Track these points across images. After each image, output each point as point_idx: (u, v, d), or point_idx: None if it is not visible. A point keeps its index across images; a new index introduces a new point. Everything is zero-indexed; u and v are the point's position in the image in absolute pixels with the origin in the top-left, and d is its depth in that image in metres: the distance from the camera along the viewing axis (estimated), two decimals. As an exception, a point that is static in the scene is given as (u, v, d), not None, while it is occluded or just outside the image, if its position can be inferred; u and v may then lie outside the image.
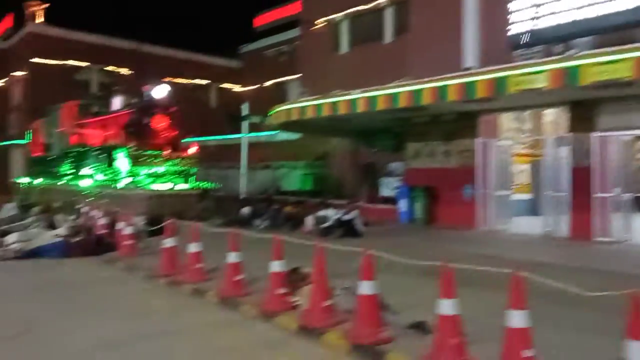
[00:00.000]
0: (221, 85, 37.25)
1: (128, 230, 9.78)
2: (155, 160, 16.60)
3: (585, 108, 11.62)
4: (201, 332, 5.50)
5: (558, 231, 12.01)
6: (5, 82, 33.54)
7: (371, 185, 18.79)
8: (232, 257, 6.60)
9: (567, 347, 4.74)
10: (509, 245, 10.94)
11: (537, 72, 9.84)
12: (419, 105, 12.21)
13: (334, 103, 13.21)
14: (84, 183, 19.18)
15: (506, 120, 13.95)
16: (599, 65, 9.03)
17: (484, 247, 10.63)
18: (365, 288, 4.84)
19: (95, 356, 4.78)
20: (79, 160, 20.37)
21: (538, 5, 13.09)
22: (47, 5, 30.93)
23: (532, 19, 13.19)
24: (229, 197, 23.75)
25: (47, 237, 10.46)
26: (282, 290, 5.91)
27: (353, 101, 12.98)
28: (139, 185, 16.57)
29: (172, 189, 16.79)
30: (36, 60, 29.97)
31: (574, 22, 12.35)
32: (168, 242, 7.96)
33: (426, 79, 11.89)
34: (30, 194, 23.24)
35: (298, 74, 27.60)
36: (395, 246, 5.16)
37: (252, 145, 19.59)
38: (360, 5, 20.01)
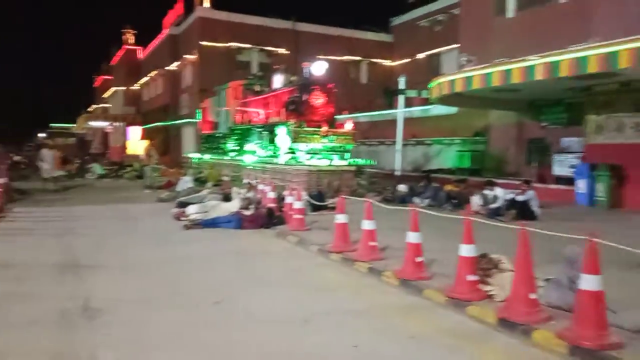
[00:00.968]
0: (372, 60, 36.90)
1: (297, 205, 9.93)
2: (313, 137, 16.83)
3: None
4: (387, 314, 5.21)
5: None
6: (177, 65, 36.99)
7: (541, 163, 17.07)
8: (413, 237, 6.21)
9: None
10: None
11: None
12: (614, 71, 10.53)
13: (507, 71, 12.00)
14: (248, 158, 20.33)
15: None
16: None
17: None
18: (590, 282, 4.10)
19: (292, 329, 4.73)
20: (243, 136, 21.62)
21: None
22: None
23: None
24: (383, 174, 23.61)
25: (223, 209, 11.08)
26: (472, 277, 5.37)
27: (530, 68, 11.65)
28: (298, 161, 17.03)
29: (329, 165, 16.99)
30: (204, 43, 32.46)
31: None
32: (340, 218, 7.84)
33: (624, 39, 10.17)
34: (201, 168, 25.43)
35: (454, 44, 26.19)
36: (582, 232, 4.28)
37: (404, 121, 19.02)
38: (531, -39, 18.06)
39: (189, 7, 34.91)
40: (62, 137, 63.51)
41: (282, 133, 17.09)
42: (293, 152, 17.29)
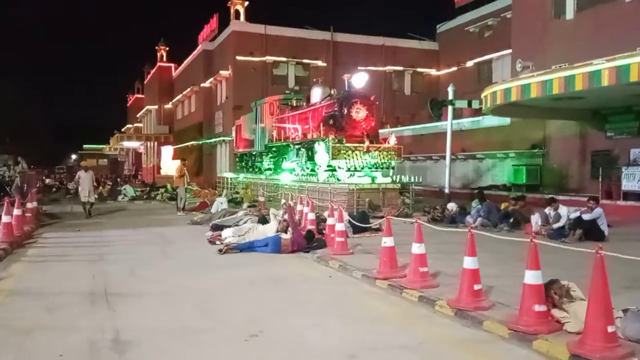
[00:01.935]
0: (416, 70, 36.73)
1: (339, 227, 9.79)
2: (354, 153, 16.75)
3: None
4: (442, 349, 4.97)
5: None
6: (211, 82, 37.80)
7: (608, 178, 16.39)
8: (469, 262, 5.96)
9: None
10: None
11: None
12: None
13: (569, 77, 11.62)
14: (285, 177, 20.40)
15: None
16: None
17: None
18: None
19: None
20: (280, 154, 21.76)
21: None
22: (247, 2, 33.93)
23: None
24: (429, 191, 23.26)
25: (260, 233, 11.06)
26: (540, 307, 5.08)
27: (596, 73, 11.23)
28: (338, 179, 16.95)
29: (372, 183, 16.85)
30: (239, 57, 33.09)
31: None
32: (387, 241, 7.65)
33: None
34: (236, 188, 25.71)
35: (506, 49, 25.78)
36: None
37: (453, 134, 18.71)
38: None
39: (224, 21, 35.79)
40: (94, 158, 65.77)
41: (320, 150, 17.09)
42: (333, 170, 17.25)
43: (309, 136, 18.80)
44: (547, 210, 12.10)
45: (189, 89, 42.61)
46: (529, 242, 5.25)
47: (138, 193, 27.19)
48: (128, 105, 74.29)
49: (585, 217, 10.92)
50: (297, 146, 19.80)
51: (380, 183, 16.89)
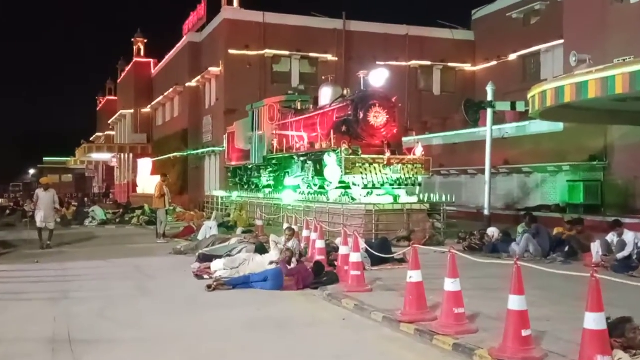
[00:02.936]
0: (447, 65, 36.84)
1: (354, 257, 9.78)
2: (372, 166, 16.76)
3: None
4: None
5: None
6: (198, 81, 38.11)
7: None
8: (516, 302, 5.93)
9: None
10: None
11: None
12: None
13: (636, 73, 11.59)
14: (288, 196, 20.43)
15: None
16: None
17: None
18: None
19: None
20: (282, 168, 21.81)
21: None
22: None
23: None
24: (464, 213, 23.19)
25: (257, 265, 11.08)
26: (604, 358, 5.04)
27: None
28: (353, 198, 16.95)
29: (394, 203, 16.83)
30: (232, 51, 33.36)
31: None
32: (414, 275, 7.62)
33: None
34: (228, 209, 25.75)
35: (558, 39, 25.83)
36: None
37: (493, 143, 18.70)
38: None
39: (214, 8, 36.01)
40: (57, 174, 66.26)
41: (331, 162, 17.12)
42: (346, 187, 17.24)
43: (317, 146, 18.84)
44: (611, 236, 12.06)
45: (171, 90, 43.01)
46: (589, 276, 5.22)
47: (109, 216, 27.32)
48: (98, 109, 75.05)
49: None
50: (302, 158, 19.87)
51: (404, 203, 16.85)
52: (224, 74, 34.05)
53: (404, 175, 17.16)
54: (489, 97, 18.12)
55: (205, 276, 11.22)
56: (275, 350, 6.83)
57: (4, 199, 40.80)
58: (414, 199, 17.26)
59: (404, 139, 19.48)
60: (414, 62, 36.20)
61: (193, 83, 38.90)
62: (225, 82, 33.97)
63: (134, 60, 53.11)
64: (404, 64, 35.39)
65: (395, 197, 17.07)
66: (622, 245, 11.58)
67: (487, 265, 7.90)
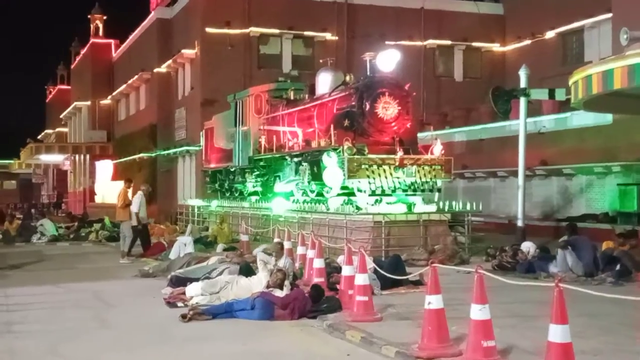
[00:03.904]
0: (471, 44, 36.93)
1: (360, 280, 9.76)
2: (381, 168, 16.78)
3: None
4: None
5: None
6: (169, 65, 38.14)
7: None
8: (558, 333, 5.94)
9: None
10: None
11: None
12: None
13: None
14: (279, 205, 20.42)
15: None
16: None
17: None
18: None
19: None
20: (271, 171, 21.83)
21: None
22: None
23: None
24: (493, 224, 23.19)
25: (242, 289, 11.03)
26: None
27: None
28: (358, 207, 16.95)
29: (408, 212, 16.84)
30: (210, 30, 33.37)
31: None
32: (433, 301, 7.60)
33: None
34: (206, 222, 25.72)
35: (603, 14, 25.89)
36: None
37: (528, 139, 18.70)
38: None
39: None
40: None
41: (331, 164, 17.14)
42: (350, 194, 17.25)
43: (314, 144, 18.86)
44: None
45: (136, 77, 43.11)
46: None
47: (62, 231, 27.29)
48: (47, 101, 75.24)
49: None
50: (296, 159, 19.90)
51: (420, 213, 16.91)
52: (201, 57, 34.09)
53: (420, 178, 17.21)
54: (522, 84, 18.13)
55: (179, 303, 11.17)
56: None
57: None
58: (432, 207, 17.32)
59: (420, 135, 19.50)
60: (431, 42, 36.28)
61: (163, 69, 39.00)
62: (201, 67, 34.00)
63: (90, 42, 53.27)
64: (418, 43, 35.50)
65: (410, 206, 17.13)
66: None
67: (521, 287, 7.90)
